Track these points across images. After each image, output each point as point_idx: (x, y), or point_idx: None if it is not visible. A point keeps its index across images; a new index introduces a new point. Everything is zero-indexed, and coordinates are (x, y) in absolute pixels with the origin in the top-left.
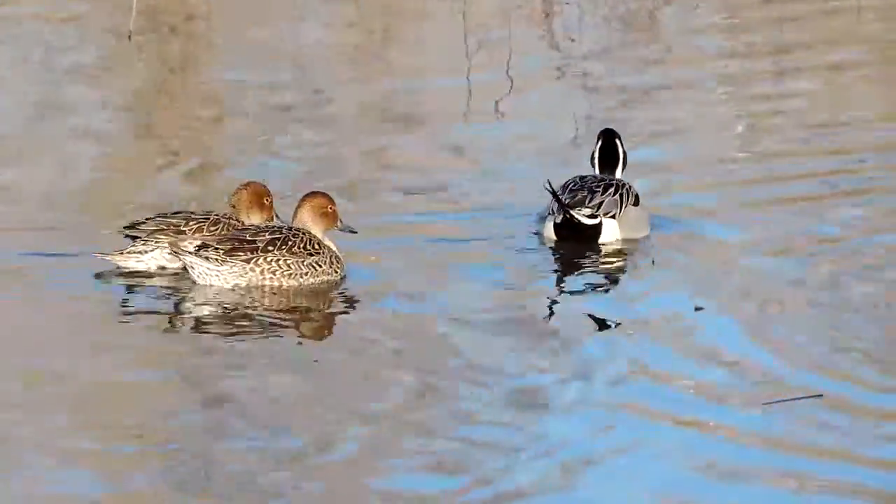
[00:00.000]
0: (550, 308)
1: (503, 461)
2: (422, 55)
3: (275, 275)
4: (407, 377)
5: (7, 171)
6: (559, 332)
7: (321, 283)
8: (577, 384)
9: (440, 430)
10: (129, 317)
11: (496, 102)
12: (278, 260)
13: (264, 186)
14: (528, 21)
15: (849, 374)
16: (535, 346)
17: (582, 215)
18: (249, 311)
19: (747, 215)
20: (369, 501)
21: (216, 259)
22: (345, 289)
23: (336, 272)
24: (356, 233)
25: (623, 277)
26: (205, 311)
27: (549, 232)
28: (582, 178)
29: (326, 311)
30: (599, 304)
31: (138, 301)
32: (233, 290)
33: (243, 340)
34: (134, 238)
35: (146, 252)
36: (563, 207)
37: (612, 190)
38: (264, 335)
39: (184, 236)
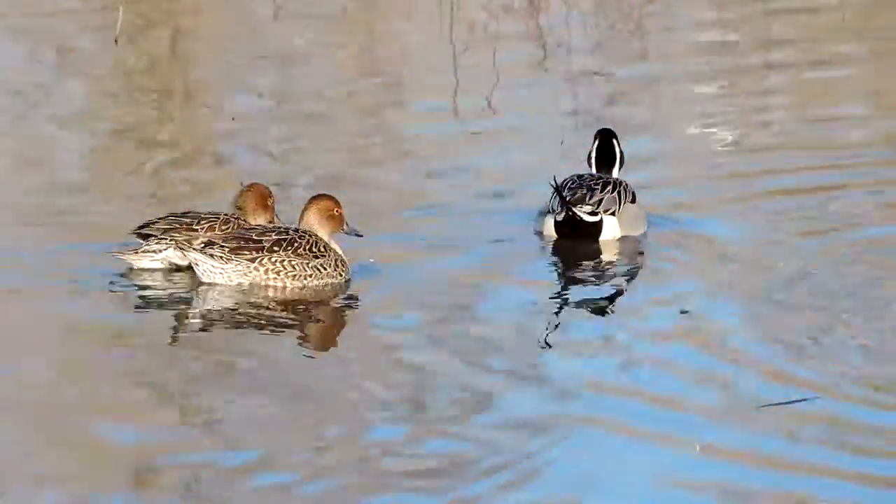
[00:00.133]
0: (549, 323)
1: (496, 476)
2: (408, 51)
3: (279, 275)
4: (397, 388)
5: None
6: (557, 333)
7: (325, 285)
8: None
9: (430, 440)
10: (137, 314)
11: (487, 99)
12: (283, 261)
13: (267, 187)
14: (514, 18)
15: (845, 374)
16: (534, 346)
17: (583, 212)
18: (251, 312)
19: (739, 210)
20: None
21: (221, 257)
22: (348, 292)
23: (340, 275)
24: (362, 236)
25: (621, 278)
26: (207, 311)
27: (550, 229)
28: (580, 176)
29: (327, 314)
30: (595, 306)
31: (146, 299)
32: (238, 289)
33: (242, 343)
34: (146, 237)
35: (160, 251)
36: (566, 205)
37: (610, 187)
38: (262, 337)
39: (196, 234)
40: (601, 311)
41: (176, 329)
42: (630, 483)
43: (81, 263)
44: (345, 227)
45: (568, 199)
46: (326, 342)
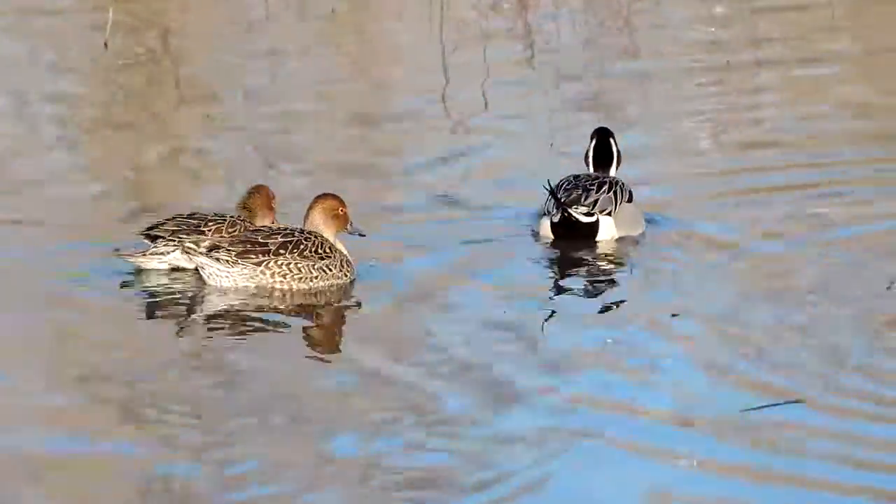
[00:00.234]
0: (544, 323)
1: (496, 470)
2: (398, 50)
3: (285, 278)
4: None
5: None
6: (556, 334)
7: (331, 286)
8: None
9: (427, 441)
10: (141, 316)
11: (481, 96)
12: (289, 263)
13: (270, 189)
14: (503, 16)
15: (830, 378)
16: (532, 349)
17: (579, 213)
18: (257, 313)
19: (735, 209)
20: None
21: (227, 261)
22: (353, 293)
23: (346, 276)
24: (365, 235)
25: (618, 279)
26: (213, 312)
27: (546, 230)
28: (576, 176)
29: (332, 314)
30: (592, 308)
31: (152, 301)
32: (244, 291)
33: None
34: (153, 239)
35: (168, 253)
36: (562, 206)
37: (606, 187)
38: (269, 337)
39: (203, 237)
40: (597, 315)
41: (180, 332)
42: (624, 498)
43: (85, 264)
44: (349, 226)
45: (563, 200)
46: (329, 347)
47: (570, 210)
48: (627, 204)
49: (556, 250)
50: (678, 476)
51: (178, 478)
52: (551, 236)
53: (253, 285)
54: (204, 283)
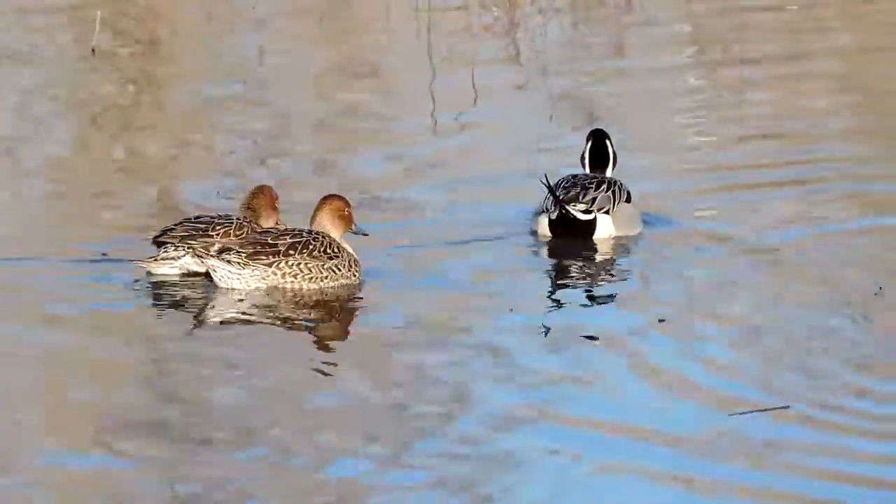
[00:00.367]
0: (543, 324)
1: (507, 476)
2: (386, 55)
3: (296, 278)
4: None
5: None
6: (553, 336)
7: (340, 286)
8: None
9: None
10: (152, 319)
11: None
12: (299, 264)
13: (273, 189)
14: (491, 31)
15: (822, 383)
16: (530, 350)
17: (577, 211)
18: (268, 314)
19: (733, 208)
20: None
21: (238, 262)
22: (359, 293)
23: (354, 275)
24: (367, 235)
25: (615, 280)
26: (226, 314)
27: (544, 228)
28: (574, 176)
29: (341, 314)
30: (588, 309)
31: (163, 305)
32: (254, 292)
33: (258, 344)
34: (161, 245)
35: (178, 258)
36: (559, 203)
37: (604, 186)
38: (280, 337)
39: (211, 240)
40: (596, 327)
41: (191, 333)
42: None
43: (96, 269)
44: (353, 226)
45: (561, 197)
46: (335, 349)
47: (567, 207)
48: (626, 204)
49: (554, 248)
50: (665, 495)
51: (177, 484)
52: (549, 234)
53: (264, 286)
54: (215, 284)
